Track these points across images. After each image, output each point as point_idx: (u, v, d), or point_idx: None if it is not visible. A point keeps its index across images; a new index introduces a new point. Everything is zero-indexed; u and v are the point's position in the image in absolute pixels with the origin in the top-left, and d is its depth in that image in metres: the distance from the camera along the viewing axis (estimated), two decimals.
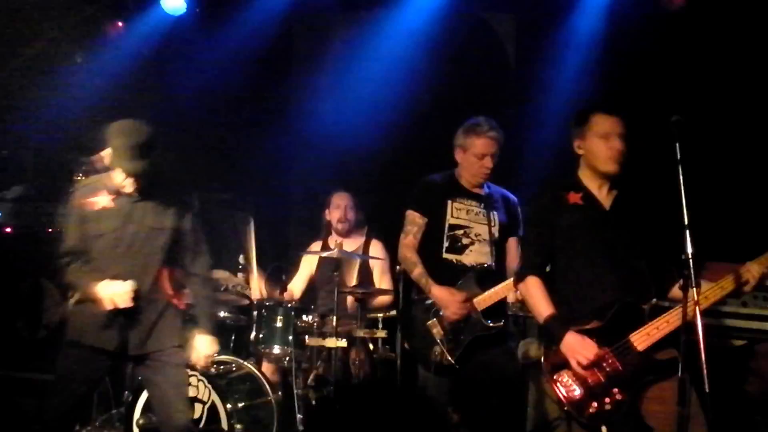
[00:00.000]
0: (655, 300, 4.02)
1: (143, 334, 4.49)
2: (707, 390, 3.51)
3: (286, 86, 7.73)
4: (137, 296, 4.39)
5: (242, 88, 7.62)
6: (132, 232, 4.48)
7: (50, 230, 6.95)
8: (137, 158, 4.33)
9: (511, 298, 5.37)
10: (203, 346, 4.60)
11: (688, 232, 3.65)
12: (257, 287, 6.20)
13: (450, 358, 4.89)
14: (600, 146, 4.12)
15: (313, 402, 5.73)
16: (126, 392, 5.77)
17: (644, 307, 3.97)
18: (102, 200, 4.51)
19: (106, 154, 4.45)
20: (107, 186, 4.52)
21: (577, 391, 3.95)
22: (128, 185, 4.44)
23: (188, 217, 4.62)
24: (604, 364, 3.93)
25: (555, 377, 3.98)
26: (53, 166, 7.21)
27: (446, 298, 4.94)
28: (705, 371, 3.50)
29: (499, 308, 4.99)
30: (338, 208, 6.39)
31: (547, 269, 4.23)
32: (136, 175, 4.38)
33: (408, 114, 7.12)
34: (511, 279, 4.90)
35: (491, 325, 4.92)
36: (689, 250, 3.63)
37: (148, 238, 4.50)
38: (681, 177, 3.75)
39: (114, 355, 4.50)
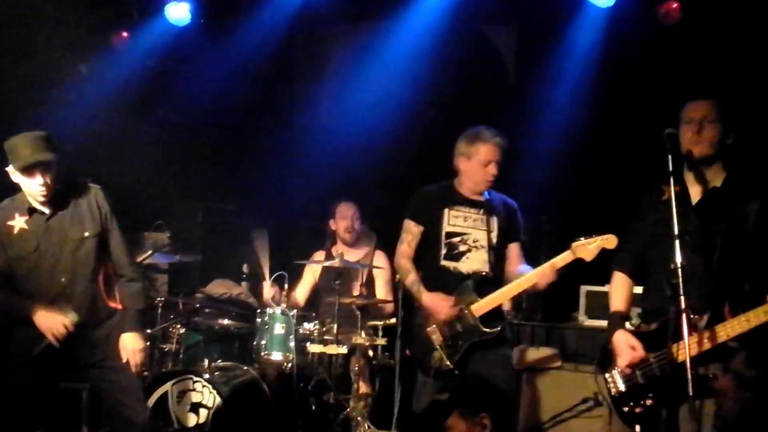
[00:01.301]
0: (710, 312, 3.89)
1: (88, 345, 4.59)
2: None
3: (290, 97, 7.80)
4: (76, 320, 4.51)
5: (246, 98, 7.69)
6: (53, 249, 4.55)
7: None
8: (38, 152, 4.40)
9: (506, 306, 5.46)
10: (129, 342, 4.62)
11: (677, 242, 3.72)
12: (269, 295, 6.28)
13: (449, 363, 4.96)
14: (684, 132, 4.02)
15: (313, 407, 5.84)
16: None
17: (698, 317, 3.87)
18: (17, 222, 4.58)
19: (11, 171, 4.50)
20: (19, 207, 4.59)
21: (620, 387, 4.04)
22: (37, 200, 4.52)
23: (108, 219, 4.67)
24: (646, 369, 3.99)
25: (606, 369, 4.09)
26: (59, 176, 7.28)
27: (436, 304, 5.02)
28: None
29: (495, 314, 5.05)
30: (345, 218, 6.47)
31: None
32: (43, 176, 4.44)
33: (409, 125, 7.18)
34: (507, 286, 5.02)
35: (488, 330, 4.98)
36: (678, 260, 3.69)
37: (72, 251, 4.57)
38: (673, 188, 3.83)
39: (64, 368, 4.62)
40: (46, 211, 4.57)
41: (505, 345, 5.16)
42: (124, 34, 7.70)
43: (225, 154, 7.99)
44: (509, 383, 5.13)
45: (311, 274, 6.60)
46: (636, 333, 4.08)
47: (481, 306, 4.99)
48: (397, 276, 5.45)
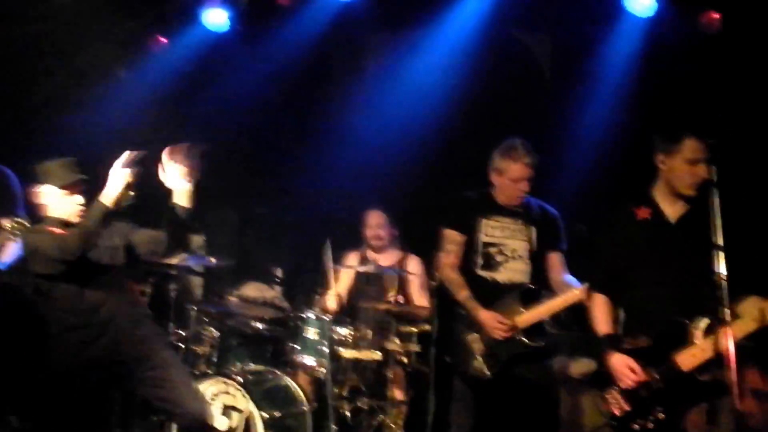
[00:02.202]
0: (708, 319, 3.95)
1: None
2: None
3: (325, 103, 7.82)
4: None
5: (281, 104, 7.72)
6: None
7: None
8: (76, 172, 4.58)
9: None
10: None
11: (721, 253, 3.70)
12: (334, 303, 6.32)
13: (488, 373, 4.94)
14: (686, 171, 4.12)
15: (347, 413, 5.82)
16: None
17: (693, 326, 3.96)
18: None
19: (44, 193, 4.61)
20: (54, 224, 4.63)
21: (624, 407, 4.02)
22: (71, 220, 4.58)
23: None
24: (651, 383, 3.98)
25: (605, 391, 4.06)
26: (94, 179, 7.35)
27: (493, 325, 4.97)
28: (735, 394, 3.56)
29: (538, 326, 5.03)
30: (372, 227, 6.49)
31: None
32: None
33: (443, 132, 7.17)
34: (553, 300, 4.99)
35: (531, 343, 4.97)
36: (722, 271, 3.68)
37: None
38: (716, 199, 3.82)
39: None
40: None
41: (546, 357, 5.14)
42: (163, 39, 7.76)
43: (260, 158, 8.03)
44: (551, 397, 5.10)
45: (346, 277, 6.60)
46: (630, 350, 4.07)
47: (525, 319, 4.97)
48: (432, 283, 5.44)
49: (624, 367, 4.01)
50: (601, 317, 4.22)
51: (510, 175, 5.10)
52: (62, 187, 4.57)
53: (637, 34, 6.55)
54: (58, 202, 4.61)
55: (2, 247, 5.09)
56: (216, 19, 7.41)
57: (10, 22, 7.11)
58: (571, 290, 4.99)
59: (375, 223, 6.49)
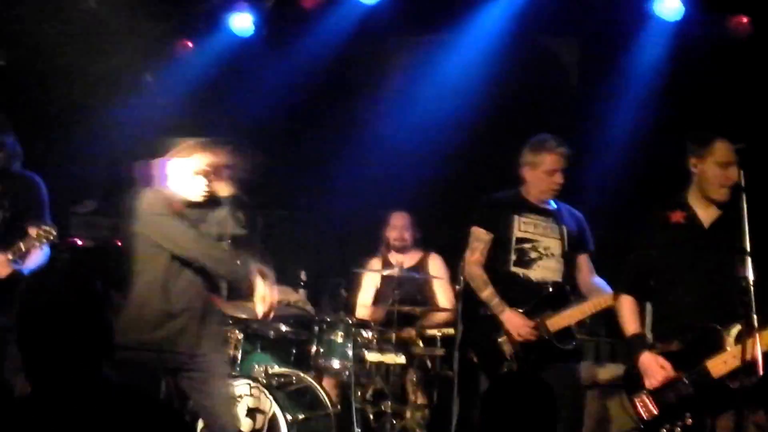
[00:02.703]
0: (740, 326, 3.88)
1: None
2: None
3: (349, 107, 7.83)
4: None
5: (305, 108, 7.75)
6: None
7: (119, 243, 7.13)
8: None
9: None
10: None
11: (749, 258, 3.68)
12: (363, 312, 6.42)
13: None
14: (717, 173, 4.12)
15: (371, 416, 5.83)
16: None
17: (725, 332, 3.93)
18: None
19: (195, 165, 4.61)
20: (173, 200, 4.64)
21: (653, 411, 4.00)
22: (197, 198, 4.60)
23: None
24: (680, 388, 3.96)
25: (633, 394, 4.04)
26: (122, 181, 7.40)
27: (517, 324, 4.94)
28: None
29: (568, 328, 5.00)
30: (395, 228, 6.50)
31: None
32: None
33: (468, 137, 7.17)
34: (585, 304, 4.97)
35: (562, 347, 4.95)
36: (750, 276, 3.65)
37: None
38: (744, 203, 3.81)
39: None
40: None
41: (575, 361, 5.13)
42: (189, 43, 7.82)
43: (284, 162, 8.04)
44: (576, 401, 5.08)
45: (372, 281, 6.60)
46: (661, 354, 4.06)
47: (557, 321, 4.95)
48: (457, 286, 5.42)
49: (654, 363, 3.99)
50: (630, 318, 4.20)
51: (544, 167, 5.08)
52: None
53: (665, 38, 6.53)
54: (185, 179, 4.61)
55: (28, 253, 5.16)
56: (241, 23, 7.45)
57: (39, 26, 7.18)
58: (601, 295, 4.97)
59: (399, 224, 6.50)
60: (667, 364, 3.97)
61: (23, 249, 5.05)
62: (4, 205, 5.31)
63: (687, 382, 3.95)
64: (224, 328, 6.19)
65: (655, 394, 4.00)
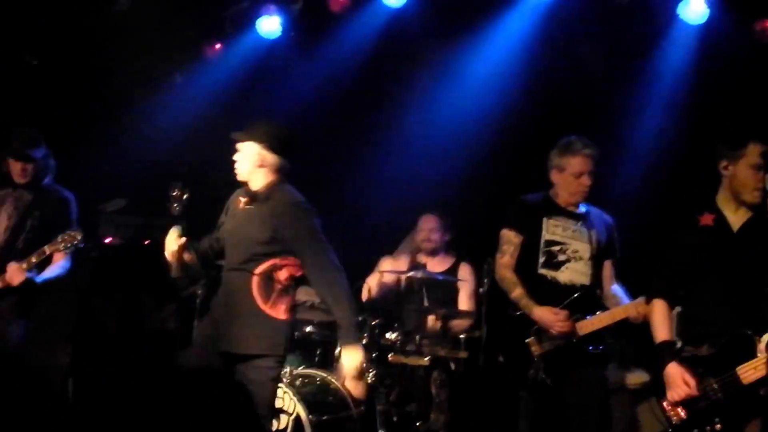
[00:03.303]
0: None
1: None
2: None
3: (377, 110, 7.87)
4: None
5: (333, 111, 7.79)
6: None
7: (147, 242, 7.23)
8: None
9: None
10: (345, 360, 4.44)
11: None
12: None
13: (546, 377, 4.92)
14: (750, 176, 4.04)
15: (395, 418, 5.85)
16: None
17: (757, 338, 3.90)
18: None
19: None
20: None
21: (682, 415, 3.99)
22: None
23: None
24: (709, 394, 3.95)
25: (663, 399, 4.05)
26: (151, 181, 7.49)
27: (549, 318, 4.92)
28: None
29: (597, 332, 4.99)
30: (423, 230, 6.53)
31: None
32: None
33: (495, 139, 7.18)
34: (617, 308, 4.98)
35: (591, 350, 4.95)
36: None
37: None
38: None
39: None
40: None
41: (603, 365, 5.12)
42: (218, 45, 7.89)
43: (311, 164, 8.08)
44: (604, 403, 5.08)
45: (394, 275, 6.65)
46: (690, 358, 4.04)
47: (587, 325, 4.94)
48: (481, 289, 5.45)
49: (678, 378, 3.98)
50: (661, 324, 4.17)
51: (571, 170, 5.06)
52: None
53: (690, 41, 6.50)
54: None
55: (52, 258, 5.30)
56: (269, 26, 7.51)
57: (70, 30, 7.29)
58: (619, 306, 5.00)
59: (428, 227, 6.52)
60: (692, 381, 3.94)
61: (46, 252, 5.20)
62: (34, 215, 5.47)
63: (717, 387, 3.93)
64: None
65: (684, 398, 4.00)
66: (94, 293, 7.27)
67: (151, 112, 7.67)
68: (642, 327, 6.24)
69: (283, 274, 4.54)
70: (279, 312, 4.48)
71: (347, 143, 7.87)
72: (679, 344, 4.20)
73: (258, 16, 7.49)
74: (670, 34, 6.59)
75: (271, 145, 4.61)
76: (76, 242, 5.10)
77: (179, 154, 7.52)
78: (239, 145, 4.64)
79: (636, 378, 5.95)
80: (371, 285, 6.60)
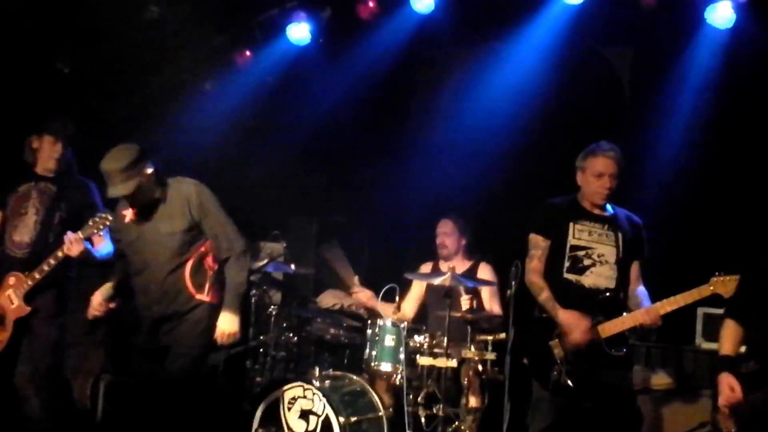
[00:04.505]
0: None
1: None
2: None
3: (404, 115, 7.92)
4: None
5: (361, 116, 7.85)
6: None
7: None
8: (120, 183, 4.75)
9: None
10: (222, 324, 4.89)
11: None
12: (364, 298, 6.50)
13: (568, 380, 4.92)
14: None
15: (423, 420, 5.87)
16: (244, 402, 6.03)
17: None
18: (127, 213, 4.99)
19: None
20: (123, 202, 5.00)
21: (730, 427, 4.03)
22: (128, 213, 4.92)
23: (198, 209, 4.93)
24: (759, 406, 3.98)
25: (716, 410, 4.10)
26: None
27: (573, 323, 4.96)
28: None
29: (621, 335, 4.99)
30: (438, 235, 6.56)
31: None
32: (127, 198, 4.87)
33: (522, 144, 7.21)
34: (639, 311, 4.99)
35: (613, 353, 4.95)
36: None
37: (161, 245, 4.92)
38: None
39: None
40: (137, 219, 4.98)
41: (627, 367, 5.12)
42: (247, 53, 7.94)
43: (340, 169, 8.15)
44: (629, 406, 5.08)
45: (418, 286, 6.68)
46: (745, 374, 4.07)
47: (609, 327, 4.95)
48: (508, 291, 5.46)
49: (725, 385, 4.03)
50: (728, 340, 4.20)
51: (592, 170, 5.09)
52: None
53: (717, 46, 6.49)
54: None
55: (92, 240, 5.35)
56: (299, 33, 7.55)
57: (101, 38, 7.37)
58: (639, 309, 5.01)
59: (443, 231, 6.55)
60: (738, 387, 3.99)
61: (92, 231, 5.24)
62: (61, 207, 5.52)
63: (764, 399, 3.97)
64: (279, 332, 6.35)
65: (735, 410, 4.03)
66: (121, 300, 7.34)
67: (182, 119, 7.72)
68: (671, 330, 6.29)
69: (209, 260, 4.97)
70: (213, 297, 4.95)
71: (376, 149, 7.91)
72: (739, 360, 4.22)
73: (287, 23, 7.52)
74: (697, 38, 6.59)
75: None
76: (108, 223, 5.14)
77: (207, 159, 7.59)
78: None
79: (660, 379, 5.96)
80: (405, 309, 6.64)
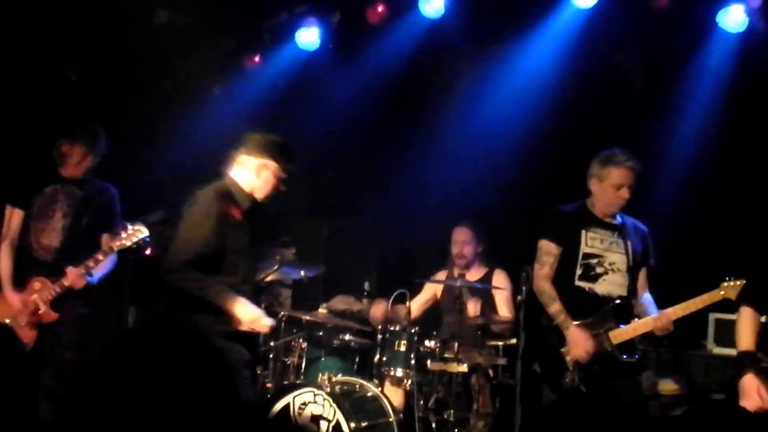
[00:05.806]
0: None
1: None
2: None
3: (415, 119, 7.90)
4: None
5: (371, 120, 7.84)
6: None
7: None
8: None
9: None
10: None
11: None
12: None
13: (581, 385, 4.92)
14: None
15: (433, 425, 5.85)
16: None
17: None
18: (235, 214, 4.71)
19: (267, 165, 4.88)
20: (240, 200, 4.84)
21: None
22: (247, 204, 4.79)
23: None
24: None
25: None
26: (191, 193, 7.55)
27: (579, 341, 4.96)
28: None
29: (632, 342, 5.00)
30: (456, 244, 6.52)
31: None
32: None
33: (534, 147, 7.19)
34: (650, 317, 4.97)
35: (625, 359, 4.94)
36: None
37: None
38: None
39: None
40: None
41: (638, 373, 5.12)
42: (257, 58, 7.95)
43: (350, 173, 8.14)
44: (641, 411, 5.06)
45: (432, 290, 6.65)
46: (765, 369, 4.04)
47: (620, 333, 4.96)
48: (519, 297, 5.44)
49: (753, 390, 3.97)
50: (745, 333, 4.14)
51: (611, 181, 5.06)
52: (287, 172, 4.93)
53: (729, 49, 6.47)
54: (264, 182, 4.96)
55: (102, 262, 5.36)
56: (308, 38, 7.56)
57: (111, 42, 7.38)
58: (650, 315, 5.00)
59: (461, 240, 6.51)
60: (766, 394, 3.96)
61: (114, 249, 5.27)
62: (87, 213, 5.52)
63: None
64: (290, 336, 6.34)
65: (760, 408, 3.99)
66: (133, 305, 7.33)
67: (191, 124, 7.74)
68: (682, 335, 6.26)
69: None
70: None
71: (386, 154, 7.90)
72: (759, 355, 4.18)
73: (297, 28, 7.55)
74: (709, 42, 6.58)
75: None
76: (142, 236, 5.13)
77: (216, 164, 7.56)
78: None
79: (667, 385, 5.94)
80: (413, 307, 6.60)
